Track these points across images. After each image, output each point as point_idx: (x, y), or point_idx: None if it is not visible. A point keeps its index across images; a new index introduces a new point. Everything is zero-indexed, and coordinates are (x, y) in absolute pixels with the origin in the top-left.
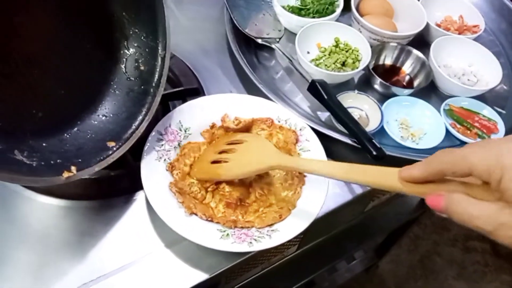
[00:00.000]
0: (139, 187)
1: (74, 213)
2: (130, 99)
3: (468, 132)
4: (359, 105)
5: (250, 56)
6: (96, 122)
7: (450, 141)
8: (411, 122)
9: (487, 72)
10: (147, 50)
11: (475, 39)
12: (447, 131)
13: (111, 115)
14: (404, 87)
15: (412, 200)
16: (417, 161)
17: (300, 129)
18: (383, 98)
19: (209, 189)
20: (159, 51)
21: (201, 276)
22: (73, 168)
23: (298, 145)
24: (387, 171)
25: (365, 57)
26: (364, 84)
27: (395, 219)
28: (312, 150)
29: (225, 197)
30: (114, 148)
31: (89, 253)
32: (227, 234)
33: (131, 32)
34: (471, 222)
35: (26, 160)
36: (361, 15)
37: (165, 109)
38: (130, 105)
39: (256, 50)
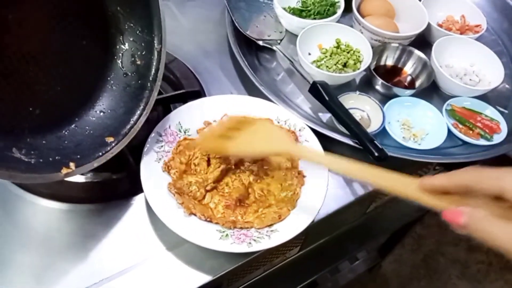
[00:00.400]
0: (141, 189)
1: (76, 216)
2: (128, 94)
3: (471, 132)
4: (360, 106)
5: (251, 58)
6: (94, 118)
7: (453, 141)
8: (413, 122)
9: (489, 71)
10: (143, 44)
11: (477, 39)
12: (449, 131)
13: (109, 110)
14: (406, 87)
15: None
16: (419, 162)
17: (300, 130)
18: (384, 99)
19: (207, 188)
20: (155, 45)
21: (203, 279)
22: (71, 165)
23: None
24: (406, 179)
25: (367, 58)
26: (365, 85)
27: (397, 220)
28: None
29: (224, 198)
30: (113, 144)
31: (91, 256)
32: (226, 235)
33: (126, 27)
34: (494, 241)
35: (25, 158)
36: (363, 16)
37: (166, 111)
38: (127, 100)
39: (257, 51)
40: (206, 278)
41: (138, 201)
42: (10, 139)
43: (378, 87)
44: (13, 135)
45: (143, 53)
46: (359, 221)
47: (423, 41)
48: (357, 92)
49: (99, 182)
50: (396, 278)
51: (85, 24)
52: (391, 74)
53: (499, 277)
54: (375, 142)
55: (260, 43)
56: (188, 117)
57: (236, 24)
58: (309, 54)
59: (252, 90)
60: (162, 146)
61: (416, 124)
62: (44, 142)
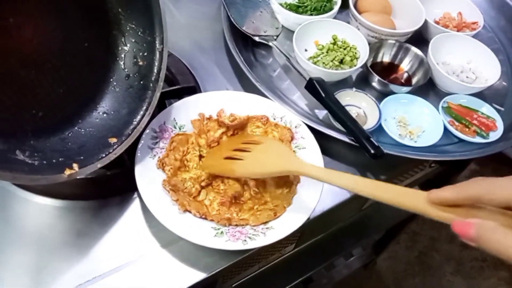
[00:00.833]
0: (135, 186)
1: (70, 213)
2: (130, 94)
3: (467, 129)
4: (357, 103)
5: (247, 54)
6: (97, 120)
7: (449, 138)
8: (409, 120)
9: (486, 69)
10: (144, 45)
11: (474, 36)
12: (446, 128)
13: (111, 111)
14: (402, 84)
15: None
16: (416, 159)
17: (296, 127)
18: (381, 96)
19: (202, 184)
20: (157, 45)
21: (198, 276)
22: (75, 166)
23: (294, 143)
24: (413, 193)
25: (363, 55)
26: (362, 82)
27: (392, 217)
28: (307, 147)
29: (219, 195)
30: (116, 145)
31: (85, 253)
32: (221, 232)
33: (128, 28)
34: (507, 253)
35: (28, 160)
36: (359, 13)
37: (161, 107)
38: (130, 101)
39: (253, 48)
40: (201, 275)
41: (132, 198)
42: (14, 142)
43: (374, 84)
44: (16, 138)
45: (145, 54)
46: (355, 218)
47: (420, 38)
48: (354, 89)
49: (93, 178)
50: (391, 275)
51: (86, 26)
52: (388, 71)
53: (493, 274)
54: (371, 139)
55: (256, 39)
56: (184, 113)
57: (232, 20)
58: (306, 50)
59: (248, 86)
60: (157, 142)
61: (413, 121)
62: (47, 144)
